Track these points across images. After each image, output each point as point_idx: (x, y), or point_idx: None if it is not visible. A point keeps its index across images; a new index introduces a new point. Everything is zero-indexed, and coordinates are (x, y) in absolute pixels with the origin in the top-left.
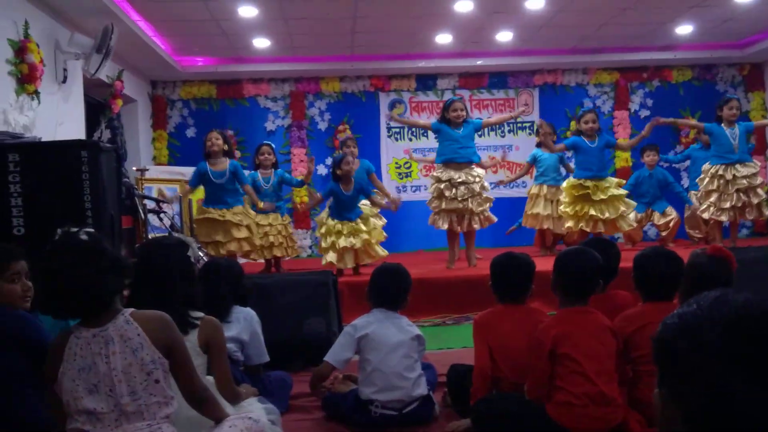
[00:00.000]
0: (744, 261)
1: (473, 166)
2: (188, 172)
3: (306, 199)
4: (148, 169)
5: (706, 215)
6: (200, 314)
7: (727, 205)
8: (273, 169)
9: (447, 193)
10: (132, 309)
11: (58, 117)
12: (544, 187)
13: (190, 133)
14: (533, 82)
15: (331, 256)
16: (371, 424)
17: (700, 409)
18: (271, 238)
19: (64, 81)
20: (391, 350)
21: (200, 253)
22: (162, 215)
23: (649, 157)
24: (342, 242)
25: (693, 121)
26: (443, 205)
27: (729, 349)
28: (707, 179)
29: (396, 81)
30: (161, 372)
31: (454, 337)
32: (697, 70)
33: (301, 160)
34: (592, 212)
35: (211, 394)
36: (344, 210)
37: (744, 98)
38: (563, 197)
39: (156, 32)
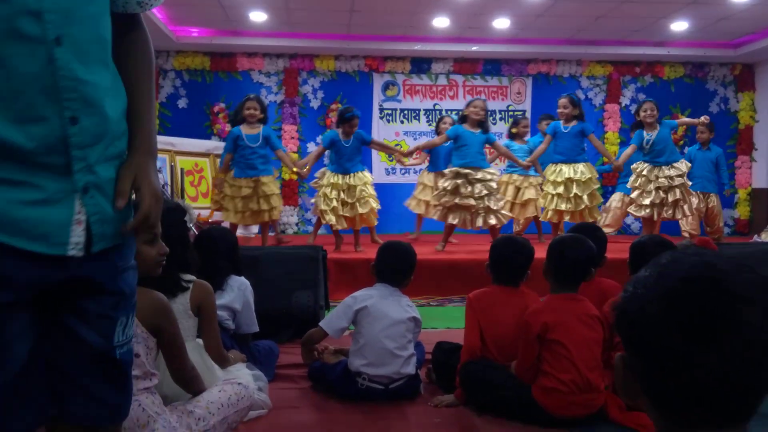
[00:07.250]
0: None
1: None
2: (179, 142)
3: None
4: None
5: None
6: (192, 277)
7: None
8: (261, 125)
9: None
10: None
11: None
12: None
13: (182, 104)
14: (527, 71)
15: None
16: (357, 396)
17: (650, 370)
18: (264, 205)
19: None
20: (387, 326)
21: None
22: None
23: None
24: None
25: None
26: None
27: (670, 318)
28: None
29: (391, 63)
30: (143, 347)
31: (437, 318)
32: (689, 68)
33: (292, 137)
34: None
35: (197, 373)
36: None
37: (734, 98)
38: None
39: None
